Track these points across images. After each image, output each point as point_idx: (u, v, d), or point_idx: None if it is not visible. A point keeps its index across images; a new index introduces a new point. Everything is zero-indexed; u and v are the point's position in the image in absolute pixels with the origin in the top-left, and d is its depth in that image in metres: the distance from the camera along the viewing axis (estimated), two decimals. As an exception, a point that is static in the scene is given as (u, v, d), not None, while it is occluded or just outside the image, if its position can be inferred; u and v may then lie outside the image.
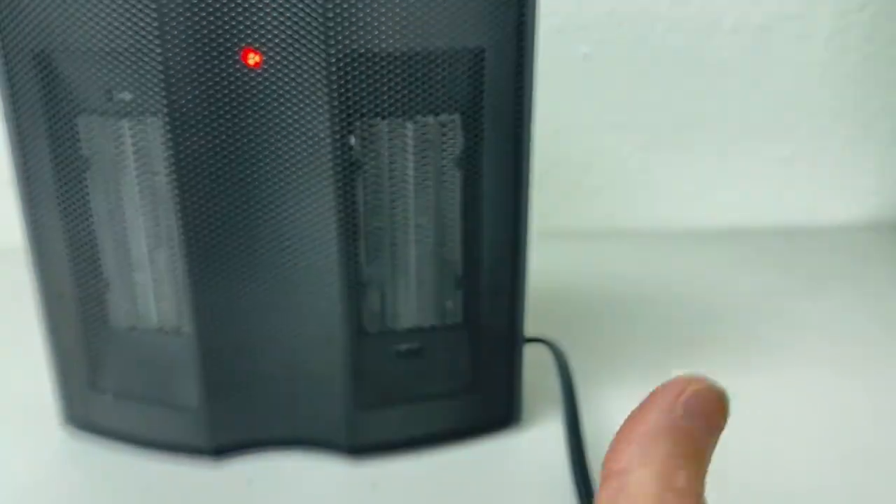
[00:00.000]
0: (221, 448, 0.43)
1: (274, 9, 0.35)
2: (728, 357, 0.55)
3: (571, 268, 0.71)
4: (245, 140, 0.38)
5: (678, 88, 0.74)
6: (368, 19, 0.35)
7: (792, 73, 0.74)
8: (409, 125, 0.40)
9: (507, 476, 0.43)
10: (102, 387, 0.44)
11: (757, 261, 0.72)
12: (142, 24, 0.35)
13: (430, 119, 0.40)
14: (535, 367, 0.47)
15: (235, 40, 0.36)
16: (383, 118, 0.39)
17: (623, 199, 0.77)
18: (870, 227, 0.80)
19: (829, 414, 0.48)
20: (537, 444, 0.45)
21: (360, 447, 0.43)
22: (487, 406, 0.45)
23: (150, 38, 0.36)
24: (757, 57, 0.73)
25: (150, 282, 0.42)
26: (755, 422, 0.47)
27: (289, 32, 0.36)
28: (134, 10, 0.35)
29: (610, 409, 0.47)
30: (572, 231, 0.78)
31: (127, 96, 0.38)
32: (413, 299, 0.43)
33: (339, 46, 0.36)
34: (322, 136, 0.37)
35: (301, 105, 0.37)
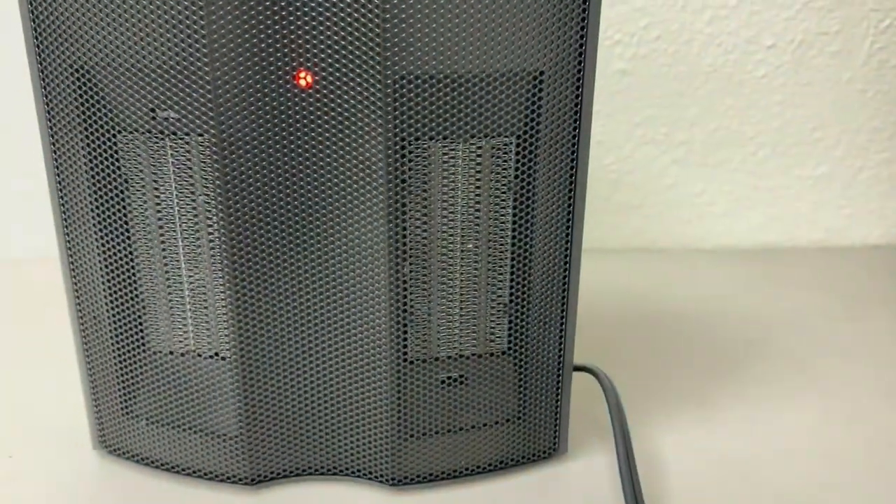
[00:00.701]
0: (260, 477, 0.42)
1: (330, 29, 0.34)
2: (772, 385, 0.53)
3: (602, 284, 0.69)
4: (294, 161, 0.36)
5: (714, 105, 0.72)
6: (426, 42, 0.34)
7: (830, 90, 0.73)
8: (462, 148, 0.38)
9: (554, 510, 0.41)
10: (136, 411, 0.42)
11: (793, 280, 0.70)
12: (190, 40, 0.34)
13: (484, 142, 0.38)
14: (577, 393, 0.46)
15: (288, 60, 0.35)
16: (435, 141, 0.37)
17: (654, 215, 0.76)
18: (905, 248, 0.79)
19: (873, 440, 0.47)
20: (583, 475, 0.44)
21: (403, 477, 0.42)
22: (532, 436, 0.43)
23: (199, 55, 0.34)
24: (795, 74, 0.72)
25: (189, 305, 0.41)
26: (801, 450, 0.46)
27: (344, 53, 0.34)
28: (182, 27, 0.34)
29: (656, 437, 0.46)
30: (600, 248, 0.76)
31: (171, 114, 0.37)
32: (458, 326, 0.42)
33: (396, 69, 0.34)
34: (374, 158, 0.36)
35: (354, 127, 0.36)
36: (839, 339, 0.60)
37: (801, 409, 0.50)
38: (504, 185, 0.39)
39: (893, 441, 0.47)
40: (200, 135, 0.37)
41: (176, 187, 0.39)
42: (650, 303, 0.66)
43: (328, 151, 0.36)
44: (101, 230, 0.39)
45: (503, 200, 0.40)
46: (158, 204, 0.40)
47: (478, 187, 0.39)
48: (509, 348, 0.43)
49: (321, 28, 0.34)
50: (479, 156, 0.39)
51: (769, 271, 0.72)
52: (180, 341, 0.42)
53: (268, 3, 0.34)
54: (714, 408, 0.50)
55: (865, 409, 0.51)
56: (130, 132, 0.38)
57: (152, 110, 0.37)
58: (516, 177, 0.39)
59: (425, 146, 0.38)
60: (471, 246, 0.41)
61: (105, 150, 0.38)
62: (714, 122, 0.73)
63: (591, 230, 0.76)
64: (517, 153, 0.38)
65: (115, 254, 0.40)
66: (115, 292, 0.40)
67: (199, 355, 0.42)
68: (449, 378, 0.42)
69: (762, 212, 0.77)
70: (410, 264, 0.40)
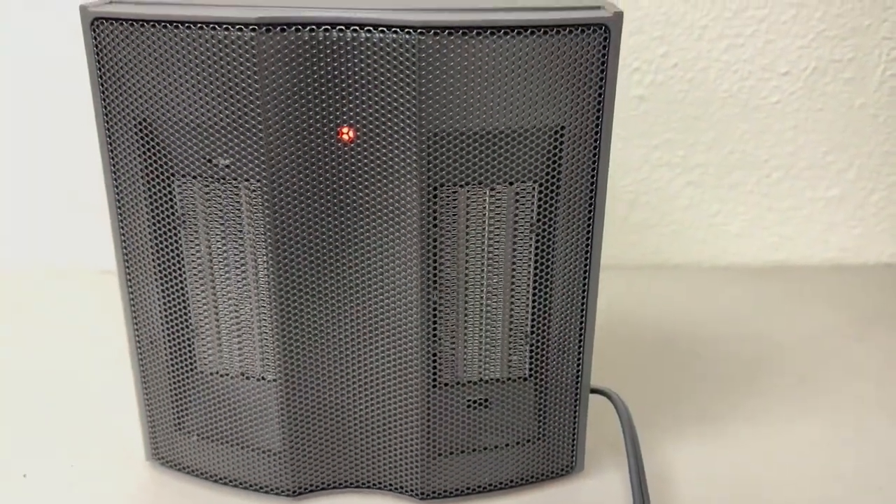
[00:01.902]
0: (301, 489, 0.45)
1: (371, 90, 0.38)
2: (781, 403, 0.56)
3: (619, 300, 0.72)
4: (335, 206, 0.40)
5: (729, 129, 0.75)
6: (457, 102, 0.37)
7: (842, 115, 0.75)
8: (488, 193, 0.42)
9: (570, 524, 0.45)
10: (188, 427, 0.46)
11: (805, 298, 0.73)
12: (245, 100, 0.38)
13: (508, 188, 0.42)
14: (592, 413, 0.49)
15: (333, 117, 0.38)
16: (464, 187, 0.41)
17: (670, 234, 0.79)
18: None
19: (887, 467, 0.50)
20: (598, 492, 0.47)
21: (431, 492, 0.45)
22: (551, 455, 0.47)
23: (253, 114, 0.38)
24: (808, 100, 0.75)
25: (235, 331, 0.45)
26: (810, 467, 0.49)
27: (383, 112, 0.38)
28: (237, 88, 0.38)
29: (667, 455, 0.49)
30: (617, 265, 0.79)
31: (224, 161, 0.41)
32: (483, 353, 0.46)
33: (430, 126, 0.38)
34: (409, 203, 0.40)
35: (391, 176, 0.39)
36: (848, 357, 0.63)
37: (808, 426, 0.53)
38: (527, 226, 0.43)
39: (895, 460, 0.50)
40: (251, 181, 0.40)
41: (227, 227, 0.43)
42: (664, 319, 0.69)
43: (367, 197, 0.40)
44: (157, 263, 0.43)
45: (526, 240, 0.43)
46: (210, 241, 0.43)
47: (502, 228, 0.43)
48: (530, 374, 0.46)
49: (363, 89, 0.38)
50: (503, 200, 0.42)
51: (782, 289, 0.75)
52: (229, 364, 0.46)
53: (315, 68, 0.37)
54: (724, 425, 0.53)
55: (870, 427, 0.53)
56: (186, 177, 0.42)
57: (209, 159, 0.41)
58: (538, 219, 0.42)
59: (455, 192, 0.41)
60: (495, 280, 0.44)
61: (163, 193, 0.42)
62: (729, 145, 0.76)
63: (609, 248, 0.79)
64: (539, 198, 0.42)
65: (170, 284, 0.44)
66: (170, 319, 0.44)
67: (246, 377, 0.45)
68: (474, 401, 0.46)
69: (776, 232, 0.79)
70: (440, 297, 0.43)
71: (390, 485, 0.46)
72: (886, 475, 0.49)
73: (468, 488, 0.46)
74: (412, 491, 0.45)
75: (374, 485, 0.46)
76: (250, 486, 0.46)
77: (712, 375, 0.60)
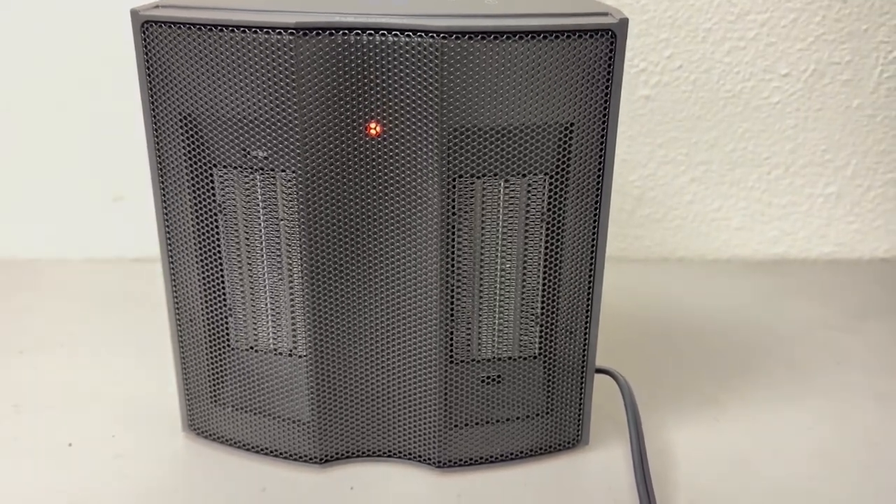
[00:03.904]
0: (328, 457, 0.49)
1: (397, 89, 0.41)
2: (774, 388, 0.60)
3: (626, 291, 0.76)
4: (363, 195, 0.44)
5: (732, 128, 0.79)
6: (475, 100, 0.41)
7: (840, 115, 0.79)
8: (502, 185, 0.45)
9: (576, 491, 0.48)
10: (223, 399, 0.50)
11: (802, 291, 0.76)
12: (282, 98, 0.41)
13: (521, 180, 0.45)
14: (598, 392, 0.52)
15: (362, 113, 0.42)
16: (480, 178, 0.45)
17: (675, 228, 0.82)
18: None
19: (871, 446, 0.53)
20: (602, 463, 0.51)
21: (448, 461, 0.49)
22: (558, 429, 0.50)
23: (290, 110, 0.42)
24: (807, 100, 0.78)
25: (269, 310, 0.49)
26: (796, 446, 0.52)
27: (408, 109, 0.42)
28: (275, 87, 0.41)
29: (668, 432, 0.53)
30: (624, 257, 0.83)
31: (262, 153, 0.44)
32: (496, 333, 0.49)
33: (451, 122, 0.41)
34: (430, 193, 0.43)
35: (413, 168, 0.43)
36: (839, 346, 0.66)
37: (798, 410, 0.57)
38: (538, 215, 0.46)
39: (878, 440, 0.54)
40: (286, 172, 0.44)
41: (262, 213, 0.47)
42: (668, 309, 0.73)
43: (392, 187, 0.44)
44: (198, 247, 0.47)
45: (537, 228, 0.47)
46: (247, 227, 0.47)
47: (515, 217, 0.46)
48: (540, 353, 0.50)
49: (390, 88, 0.41)
50: (517, 191, 0.46)
51: (781, 282, 0.79)
52: (262, 340, 0.49)
53: (347, 68, 0.41)
54: (721, 408, 0.57)
55: (855, 412, 0.57)
56: (226, 168, 0.45)
57: (245, 150, 0.44)
58: (548, 209, 0.46)
59: (472, 183, 0.45)
60: (508, 266, 0.48)
61: (204, 182, 0.46)
62: (731, 144, 0.79)
63: (616, 241, 0.82)
64: (549, 189, 0.45)
65: (208, 267, 0.47)
66: (208, 298, 0.48)
67: (278, 353, 0.49)
68: (488, 377, 0.49)
69: (775, 226, 0.83)
70: (457, 280, 0.47)
71: (410, 454, 0.50)
72: (868, 454, 0.52)
73: (481, 458, 0.50)
74: (430, 459, 0.49)
75: (395, 454, 0.50)
76: (281, 454, 0.50)
77: (711, 361, 0.64)
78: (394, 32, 0.40)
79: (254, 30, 0.41)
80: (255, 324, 0.49)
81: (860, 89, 0.78)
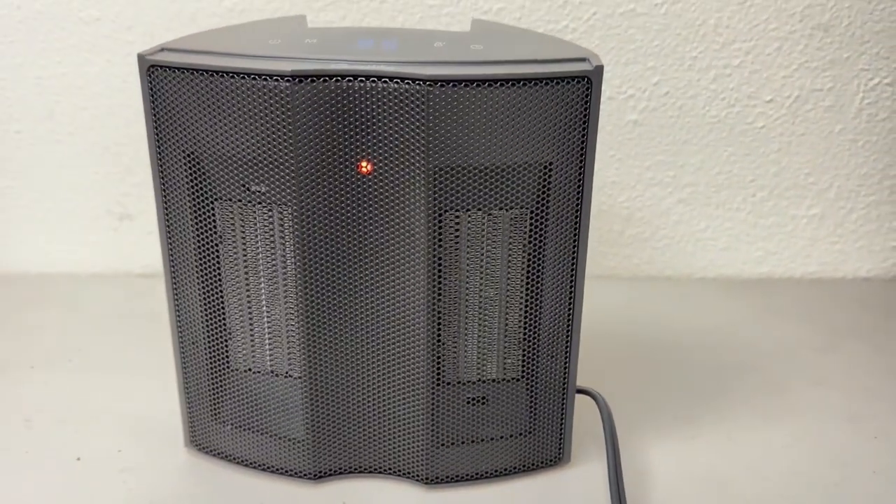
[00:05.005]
0: (321, 472, 0.52)
1: (386, 130, 0.44)
2: (753, 409, 0.62)
3: (613, 309, 0.79)
4: (354, 227, 0.47)
5: (717, 152, 0.81)
6: (459, 142, 0.44)
7: (823, 140, 0.81)
8: (486, 218, 0.48)
9: (556, 507, 0.51)
10: (223, 418, 0.53)
11: (786, 310, 0.79)
12: (279, 138, 0.44)
13: (503, 214, 0.48)
14: (580, 411, 0.55)
15: (353, 152, 0.45)
16: (465, 212, 0.47)
17: (662, 248, 0.85)
18: (891, 281, 0.87)
19: (841, 466, 0.56)
20: (582, 480, 0.53)
21: (435, 478, 0.52)
22: (541, 447, 0.53)
23: (286, 149, 0.44)
24: (791, 125, 0.81)
25: (267, 334, 0.52)
26: (771, 465, 0.55)
27: (396, 149, 0.44)
28: (273, 128, 0.44)
29: (646, 451, 0.55)
30: (614, 275, 0.86)
31: (260, 189, 0.47)
32: (481, 356, 0.52)
33: (436, 161, 0.44)
34: (417, 226, 0.46)
35: (401, 203, 0.46)
36: (818, 366, 0.68)
37: (774, 430, 0.59)
38: (520, 246, 0.49)
39: (849, 460, 0.56)
40: (283, 206, 0.47)
41: (260, 244, 0.49)
42: (653, 327, 0.75)
43: (382, 220, 0.46)
44: (200, 274, 0.50)
45: (519, 258, 0.50)
46: (245, 256, 0.50)
47: (499, 248, 0.49)
48: (523, 375, 0.52)
49: (380, 130, 0.44)
50: (500, 224, 0.49)
51: (765, 301, 0.81)
52: (260, 363, 0.52)
53: (340, 112, 0.44)
54: (699, 426, 0.59)
55: (830, 431, 0.59)
56: (226, 201, 0.48)
57: (247, 186, 0.47)
58: (530, 240, 0.48)
59: (458, 216, 0.48)
60: (492, 293, 0.51)
61: (205, 214, 0.49)
62: (717, 167, 0.82)
63: (605, 260, 0.85)
64: (531, 222, 0.48)
65: (209, 292, 0.50)
66: (210, 323, 0.51)
67: (275, 374, 0.52)
68: (473, 398, 0.52)
69: (760, 247, 0.85)
70: (444, 306, 0.50)
71: (399, 470, 0.52)
72: (841, 474, 0.55)
73: (467, 475, 0.52)
74: (418, 476, 0.52)
75: (385, 470, 0.53)
76: (277, 469, 0.53)
77: (692, 379, 0.66)
78: (383, 79, 0.43)
79: (252, 76, 0.43)
80: (253, 347, 0.52)
81: (842, 115, 0.81)
